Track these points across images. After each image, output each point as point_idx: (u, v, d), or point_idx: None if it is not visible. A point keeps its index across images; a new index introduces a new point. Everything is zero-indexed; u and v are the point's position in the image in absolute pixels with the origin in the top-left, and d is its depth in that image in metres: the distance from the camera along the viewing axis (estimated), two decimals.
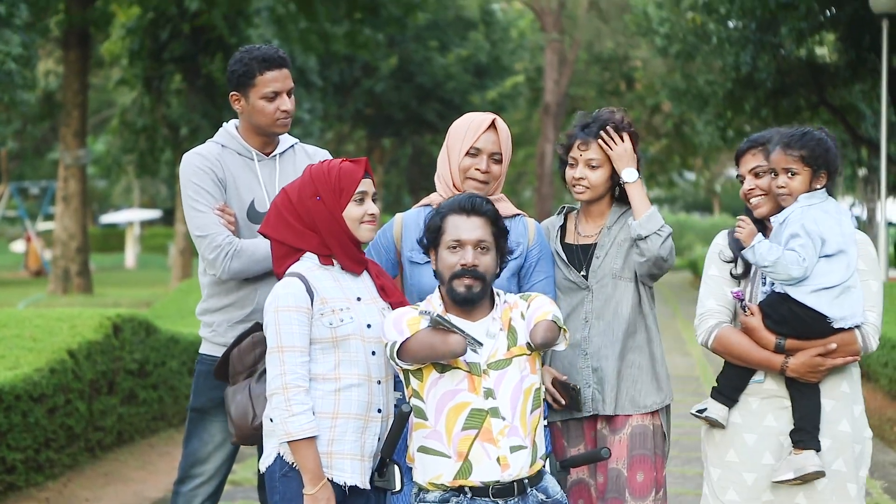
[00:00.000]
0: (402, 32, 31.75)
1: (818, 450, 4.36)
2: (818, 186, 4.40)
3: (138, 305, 18.03)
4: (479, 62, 39.93)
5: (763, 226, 4.55)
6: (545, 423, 4.33)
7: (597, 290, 4.79)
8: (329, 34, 24.88)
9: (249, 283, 4.79)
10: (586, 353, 4.78)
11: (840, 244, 4.35)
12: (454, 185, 4.69)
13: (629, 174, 4.73)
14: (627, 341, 4.78)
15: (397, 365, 4.10)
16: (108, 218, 55.88)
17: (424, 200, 4.81)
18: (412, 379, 4.12)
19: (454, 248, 4.13)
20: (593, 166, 4.78)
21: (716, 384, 4.59)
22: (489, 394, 4.06)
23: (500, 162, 4.71)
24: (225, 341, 4.80)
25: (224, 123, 5.00)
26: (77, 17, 20.68)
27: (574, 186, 4.82)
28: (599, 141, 4.75)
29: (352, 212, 4.20)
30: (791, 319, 4.35)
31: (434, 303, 4.19)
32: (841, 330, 4.34)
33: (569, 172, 4.84)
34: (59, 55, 28.01)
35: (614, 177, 4.81)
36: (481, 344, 4.04)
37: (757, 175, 4.59)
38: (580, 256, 4.85)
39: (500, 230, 4.21)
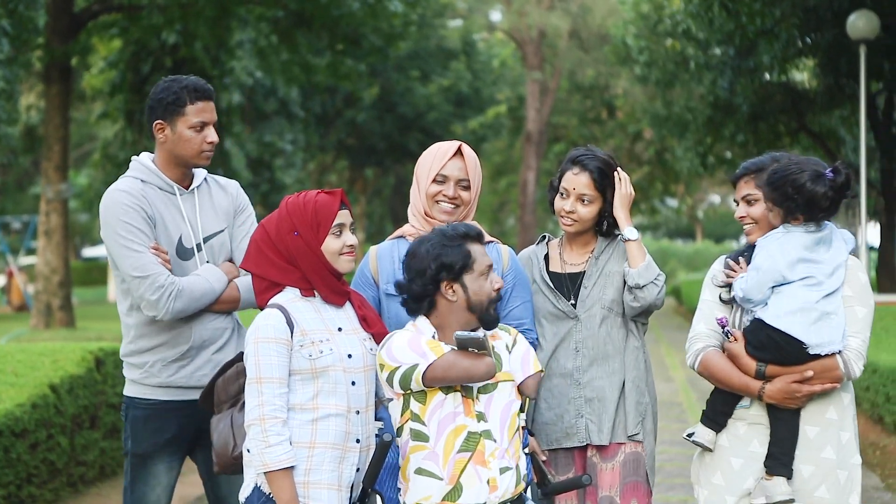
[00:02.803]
0: (383, 62, 31.86)
1: (789, 477, 4.38)
2: (794, 224, 4.44)
3: (121, 339, 17.94)
4: (461, 92, 40.08)
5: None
6: (526, 451, 4.35)
7: (586, 320, 4.81)
8: (311, 65, 24.90)
9: (183, 320, 4.72)
10: (579, 384, 4.79)
11: (802, 272, 4.37)
12: (425, 213, 4.71)
13: (630, 233, 4.76)
14: (623, 371, 4.80)
15: (403, 390, 4.11)
16: (90, 251, 55.76)
17: (397, 232, 4.82)
18: (413, 403, 4.14)
19: (485, 273, 4.21)
20: (585, 202, 4.79)
21: (704, 408, 4.63)
22: (481, 417, 4.12)
23: (468, 188, 4.72)
24: (160, 382, 4.74)
25: (134, 157, 4.89)
26: (58, 52, 20.66)
27: (563, 218, 4.84)
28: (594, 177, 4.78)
29: (330, 245, 4.21)
30: (769, 345, 4.37)
31: (424, 329, 4.19)
32: (819, 356, 4.35)
33: (559, 202, 4.85)
34: (41, 89, 28.04)
35: (602, 212, 4.83)
36: (500, 365, 4.18)
37: (749, 203, 4.63)
38: (568, 285, 4.87)
39: None
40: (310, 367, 4.11)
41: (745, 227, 4.68)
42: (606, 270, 4.84)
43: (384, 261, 4.71)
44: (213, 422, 4.41)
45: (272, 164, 34.13)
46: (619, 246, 4.87)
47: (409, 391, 4.12)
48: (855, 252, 4.55)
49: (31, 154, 34.42)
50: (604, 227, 4.88)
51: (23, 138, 31.54)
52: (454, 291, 4.18)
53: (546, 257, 4.97)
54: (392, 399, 4.19)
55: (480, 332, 4.13)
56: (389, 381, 4.12)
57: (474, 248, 4.22)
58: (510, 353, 4.27)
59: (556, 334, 4.82)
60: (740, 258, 4.61)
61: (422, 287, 4.19)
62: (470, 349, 4.04)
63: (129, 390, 4.87)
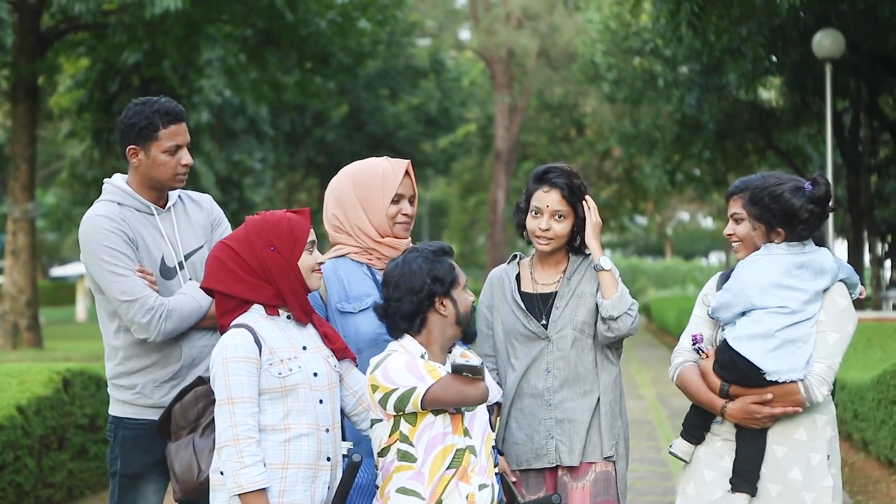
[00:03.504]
0: (352, 81, 31.88)
1: (753, 494, 4.40)
2: (776, 241, 4.45)
3: (90, 359, 17.85)
4: (430, 111, 40.13)
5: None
6: (496, 470, 4.35)
7: (557, 341, 4.79)
8: (280, 84, 24.89)
9: (173, 339, 4.69)
10: (550, 405, 4.78)
11: (776, 300, 4.37)
12: (380, 233, 4.67)
13: (605, 262, 4.75)
14: (594, 392, 4.79)
15: (396, 411, 4.10)
16: (58, 271, 55.46)
17: (337, 251, 4.73)
18: (403, 424, 4.14)
19: (465, 286, 4.28)
20: (559, 218, 4.78)
21: (684, 421, 4.67)
22: (466, 432, 4.16)
23: (413, 203, 4.75)
24: (153, 403, 4.70)
25: (106, 180, 4.86)
26: (25, 70, 20.56)
27: (538, 237, 4.82)
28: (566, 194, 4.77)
29: (305, 261, 4.20)
30: (731, 367, 4.40)
31: (413, 350, 4.20)
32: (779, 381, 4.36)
33: (532, 222, 4.83)
34: (7, 108, 27.89)
35: (574, 228, 4.82)
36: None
37: (736, 221, 4.66)
38: (540, 305, 4.86)
39: None
40: (279, 386, 4.08)
41: (732, 245, 4.71)
42: (578, 291, 4.83)
43: (331, 279, 4.66)
44: (170, 449, 4.36)
45: (241, 182, 34.04)
46: (591, 266, 4.86)
47: (401, 413, 4.13)
48: (847, 281, 4.51)
49: None
50: (576, 242, 4.88)
51: None
52: (445, 306, 4.22)
53: (517, 277, 4.96)
54: (381, 420, 4.19)
55: (476, 360, 4.15)
56: (383, 402, 4.12)
57: (454, 263, 4.29)
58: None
59: (527, 355, 4.82)
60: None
61: (416, 304, 4.19)
62: (465, 374, 4.05)
63: (119, 410, 4.83)
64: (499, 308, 4.93)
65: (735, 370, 4.38)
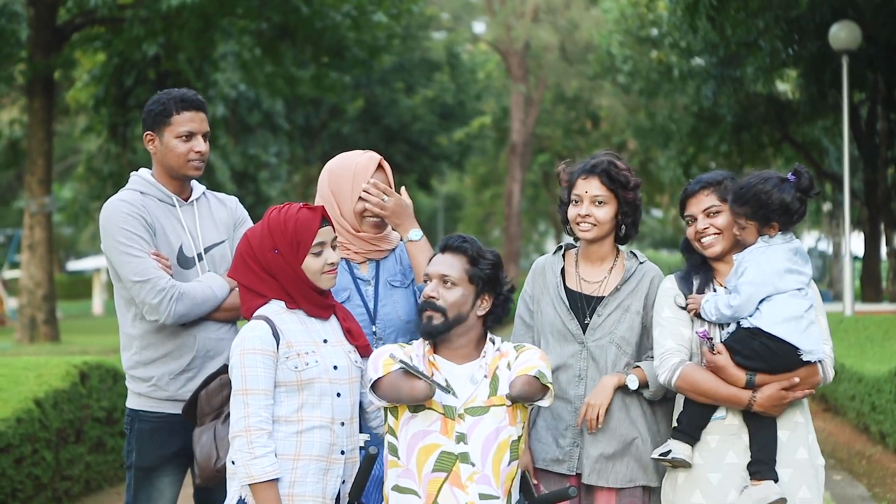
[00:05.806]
0: (367, 74, 31.88)
1: (776, 480, 4.38)
2: (771, 234, 4.46)
3: (106, 353, 17.90)
4: (446, 104, 40.11)
5: (710, 266, 4.63)
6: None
7: (593, 349, 4.66)
8: (295, 78, 24.90)
9: (186, 329, 4.71)
10: (577, 413, 4.65)
11: (791, 282, 4.42)
12: (354, 228, 4.70)
13: (647, 393, 4.66)
14: (624, 412, 4.66)
15: (376, 402, 4.15)
16: (75, 265, 55.63)
17: None
18: (389, 416, 4.16)
19: (425, 281, 4.22)
20: (599, 202, 4.66)
21: (676, 423, 4.56)
22: (461, 438, 4.05)
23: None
24: (168, 395, 4.71)
25: (133, 172, 4.92)
26: (41, 65, 20.60)
27: (579, 224, 4.69)
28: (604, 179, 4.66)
29: (310, 264, 4.18)
30: (764, 353, 4.37)
31: (416, 346, 4.21)
32: (807, 363, 4.39)
33: (572, 210, 4.71)
34: (24, 103, 27.96)
35: (619, 215, 4.73)
36: (447, 390, 4.05)
37: (709, 215, 4.59)
38: (583, 306, 4.72)
39: (478, 269, 4.19)
40: (295, 380, 4.09)
41: (705, 240, 4.59)
42: (625, 304, 4.70)
43: None
44: (195, 434, 4.39)
45: (257, 176, 34.09)
46: (643, 280, 4.75)
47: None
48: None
49: (15, 168, 34.25)
50: (621, 231, 4.78)
51: (6, 152, 31.36)
52: None
53: (562, 271, 4.81)
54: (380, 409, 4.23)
55: (404, 354, 4.12)
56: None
57: (434, 258, 4.26)
58: (510, 370, 4.16)
59: (559, 355, 4.67)
60: (692, 279, 4.63)
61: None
62: (407, 371, 4.02)
63: (135, 403, 4.85)
64: (539, 299, 4.80)
65: (768, 357, 4.37)
